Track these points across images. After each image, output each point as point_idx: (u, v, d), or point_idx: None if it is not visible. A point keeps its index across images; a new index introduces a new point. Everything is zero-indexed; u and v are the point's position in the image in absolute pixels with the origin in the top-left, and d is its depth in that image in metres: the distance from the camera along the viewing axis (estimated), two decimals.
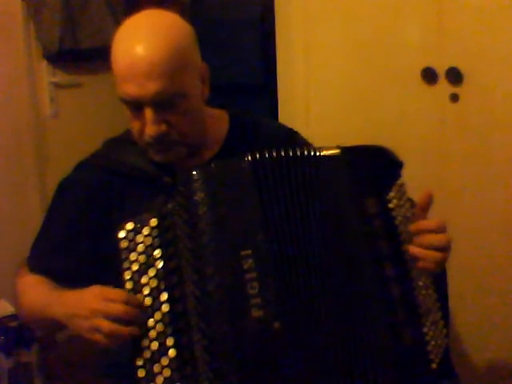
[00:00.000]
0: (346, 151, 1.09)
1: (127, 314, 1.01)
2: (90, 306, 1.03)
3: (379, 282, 1.05)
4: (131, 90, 1.10)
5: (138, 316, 1.02)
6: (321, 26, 2.09)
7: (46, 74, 2.68)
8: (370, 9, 1.96)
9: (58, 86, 2.72)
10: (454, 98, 1.81)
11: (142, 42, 1.10)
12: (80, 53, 2.70)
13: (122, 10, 2.79)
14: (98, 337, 1.03)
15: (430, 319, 1.06)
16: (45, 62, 2.67)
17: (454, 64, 1.79)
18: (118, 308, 1.01)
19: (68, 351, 2.67)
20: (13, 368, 2.03)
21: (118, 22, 2.72)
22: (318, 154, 1.09)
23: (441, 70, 1.82)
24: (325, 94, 2.13)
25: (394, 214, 1.07)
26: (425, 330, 1.05)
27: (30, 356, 2.07)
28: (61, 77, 2.73)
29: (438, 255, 1.05)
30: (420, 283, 1.06)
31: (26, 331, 2.06)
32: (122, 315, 1.01)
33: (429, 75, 1.85)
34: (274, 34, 2.24)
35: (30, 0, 2.55)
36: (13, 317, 2.07)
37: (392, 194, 1.07)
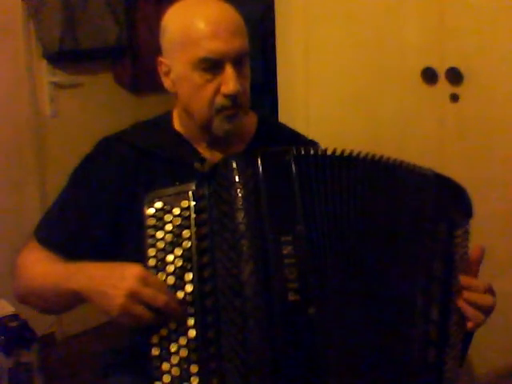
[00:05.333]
0: (438, 176, 1.13)
1: (168, 308, 1.01)
2: (130, 288, 1.01)
3: (423, 295, 1.07)
4: (217, 46, 1.15)
5: (176, 310, 1.02)
6: (321, 26, 2.09)
7: (46, 74, 2.69)
8: (370, 9, 1.96)
9: (58, 85, 2.73)
10: (454, 98, 1.81)
11: (216, 6, 1.20)
12: (80, 53, 2.71)
13: (122, 9, 2.80)
14: (125, 318, 1.01)
15: (453, 353, 1.07)
16: (45, 62, 2.67)
17: (454, 64, 1.79)
18: (161, 299, 1.00)
19: (68, 351, 2.68)
20: (13, 368, 2.03)
21: (118, 22, 2.76)
22: (407, 166, 1.12)
23: (441, 70, 1.82)
24: (325, 93, 2.13)
25: (455, 249, 1.08)
26: (446, 358, 1.06)
27: (30, 356, 2.07)
28: (61, 77, 2.73)
29: (479, 316, 1.08)
30: (455, 318, 1.08)
31: (26, 331, 2.06)
32: (163, 307, 1.00)
33: (429, 75, 1.85)
34: (274, 33, 2.24)
35: (30, 0, 2.55)
36: (13, 317, 2.07)
37: (459, 232, 1.09)
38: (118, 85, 2.93)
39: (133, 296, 1.00)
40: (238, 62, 1.18)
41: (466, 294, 1.08)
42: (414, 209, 1.10)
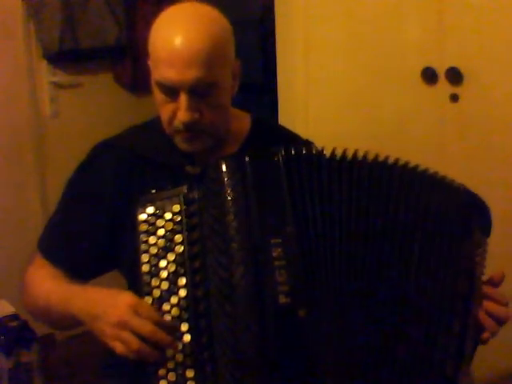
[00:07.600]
0: (467, 192, 1.14)
1: (155, 337, 1.00)
2: (119, 316, 1.01)
3: (448, 310, 1.06)
4: (171, 75, 1.12)
5: (165, 342, 1.01)
6: (321, 26, 2.09)
7: (45, 74, 2.69)
8: (370, 9, 1.96)
9: (58, 85, 2.73)
10: (454, 98, 1.81)
11: (185, 30, 1.12)
12: (80, 53, 2.71)
13: (121, 9, 2.80)
14: (118, 346, 1.02)
15: (466, 369, 1.07)
16: (45, 62, 2.68)
17: (454, 64, 1.79)
18: (148, 329, 1.00)
19: (68, 351, 2.68)
20: (13, 368, 2.03)
21: (118, 22, 2.77)
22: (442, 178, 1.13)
23: (441, 70, 1.82)
24: (324, 93, 2.13)
25: (476, 266, 1.09)
26: (460, 373, 1.06)
27: (30, 356, 2.07)
28: (61, 77, 2.73)
29: (495, 327, 1.08)
30: (471, 333, 1.07)
31: (26, 331, 2.06)
32: (149, 337, 1.00)
33: (429, 75, 1.85)
34: (273, 33, 2.24)
35: (30, 0, 2.55)
36: (13, 317, 2.07)
37: (480, 251, 1.10)
38: (118, 85, 2.93)
39: (121, 325, 1.01)
40: (196, 90, 1.13)
41: (486, 304, 1.08)
42: (421, 212, 1.09)
